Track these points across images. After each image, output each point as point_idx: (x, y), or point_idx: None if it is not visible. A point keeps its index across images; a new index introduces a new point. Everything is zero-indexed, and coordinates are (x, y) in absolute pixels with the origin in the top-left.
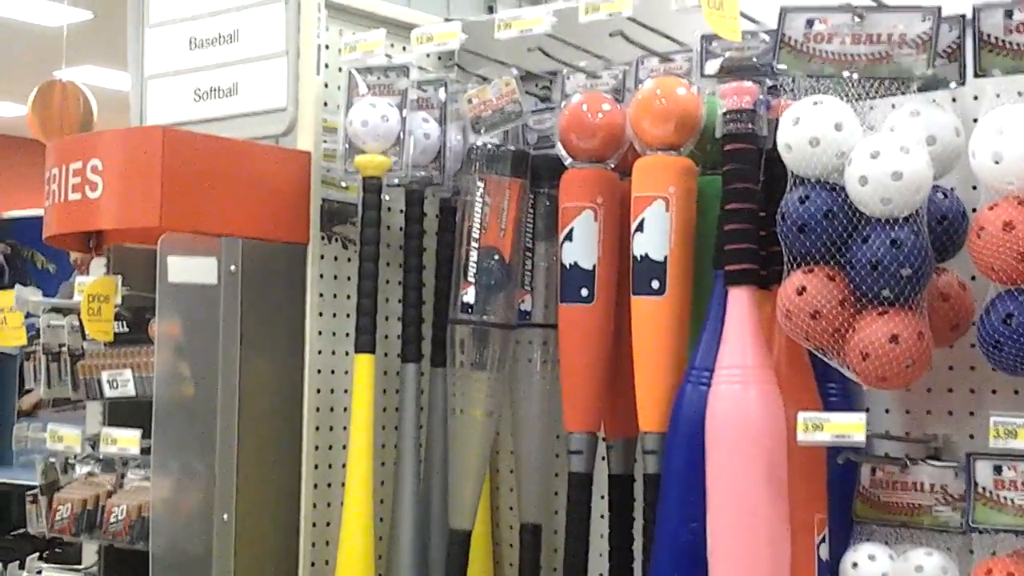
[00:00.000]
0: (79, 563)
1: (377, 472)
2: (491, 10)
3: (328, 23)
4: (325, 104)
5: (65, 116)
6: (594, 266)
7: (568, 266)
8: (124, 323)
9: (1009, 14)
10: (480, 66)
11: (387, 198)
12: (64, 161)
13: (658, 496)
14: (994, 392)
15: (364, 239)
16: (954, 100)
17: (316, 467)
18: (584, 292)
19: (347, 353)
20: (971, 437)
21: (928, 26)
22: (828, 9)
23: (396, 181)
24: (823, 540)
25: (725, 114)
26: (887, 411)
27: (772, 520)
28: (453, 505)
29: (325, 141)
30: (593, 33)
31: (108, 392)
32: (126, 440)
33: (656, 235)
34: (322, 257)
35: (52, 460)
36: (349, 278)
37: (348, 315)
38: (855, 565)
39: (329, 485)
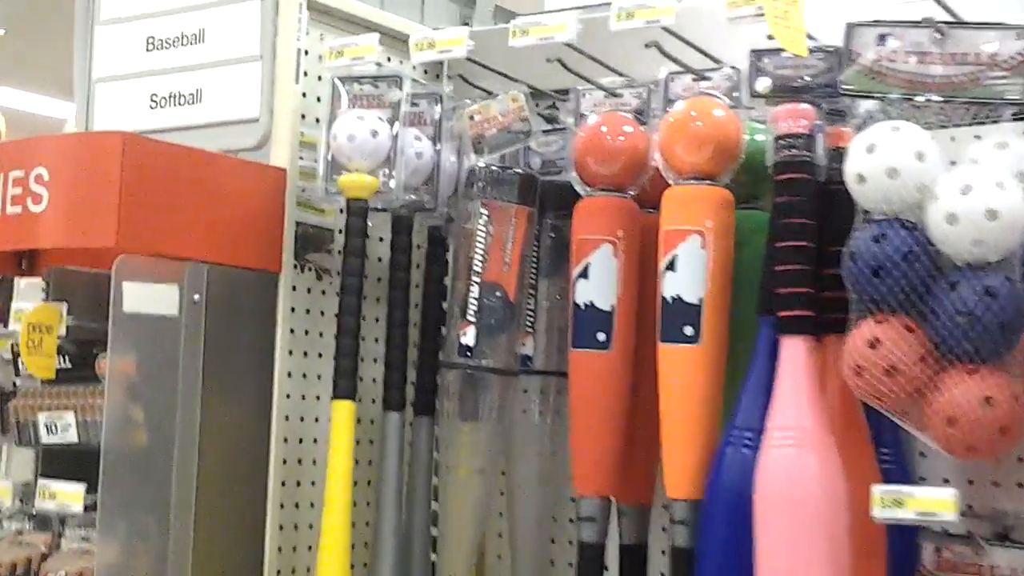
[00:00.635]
0: None
1: (353, 534)
2: (467, 22)
3: (309, 26)
4: (303, 117)
5: None
6: (613, 307)
7: (583, 306)
8: (67, 358)
9: None
10: (477, 80)
11: (371, 224)
12: (2, 169)
13: (690, 574)
14: None
15: (346, 269)
16: None
17: (281, 528)
18: (601, 336)
19: (318, 398)
20: None
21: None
22: (904, 24)
23: (381, 205)
24: None
25: (779, 139)
26: (946, 480)
27: None
28: None
29: (302, 158)
30: (612, 47)
31: (45, 437)
32: (68, 495)
33: (691, 275)
34: (294, 288)
35: None
36: (323, 313)
37: (320, 354)
38: None
39: (295, 549)
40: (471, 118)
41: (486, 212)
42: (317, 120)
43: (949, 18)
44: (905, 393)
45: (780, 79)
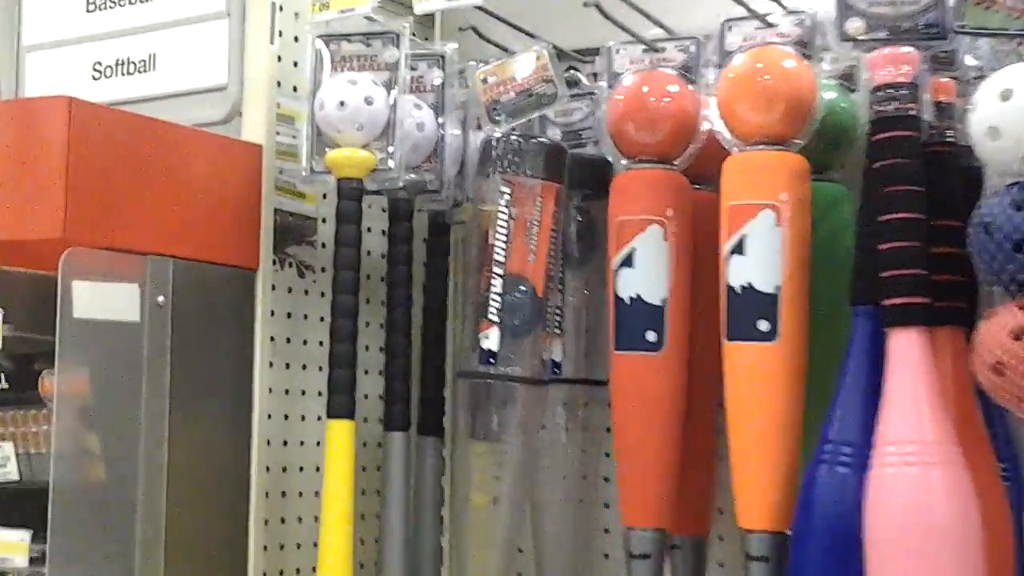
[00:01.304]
0: None
1: None
2: None
3: None
4: (278, 85)
5: None
6: (664, 300)
7: (627, 301)
8: (3, 377)
9: None
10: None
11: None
12: None
13: None
14: None
15: (340, 262)
16: None
17: None
18: (651, 336)
19: (303, 418)
20: None
21: None
22: None
23: (377, 187)
24: None
25: (877, 91)
26: None
27: None
28: None
29: (278, 133)
30: None
31: None
32: (9, 546)
33: (764, 258)
34: (273, 287)
35: None
36: (306, 316)
37: (305, 366)
38: None
39: None
40: (484, 80)
41: (508, 190)
42: (295, 89)
43: None
44: None
45: (875, 18)
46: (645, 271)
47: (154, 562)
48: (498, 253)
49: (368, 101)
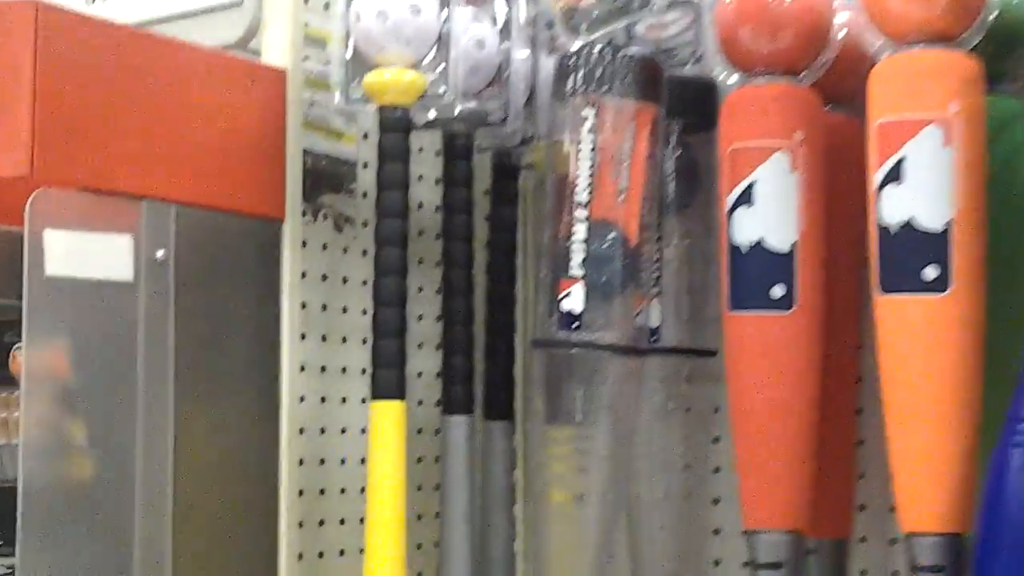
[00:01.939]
0: None
1: None
2: None
3: None
4: (306, 0)
5: None
6: (794, 246)
7: (746, 248)
8: None
9: None
10: None
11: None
12: None
13: None
14: None
15: (385, 208)
16: None
17: None
18: (777, 291)
19: (344, 400)
20: None
21: None
22: None
23: (431, 117)
24: None
25: None
26: None
27: None
28: None
29: (307, 58)
30: None
31: None
32: None
33: (929, 187)
34: (304, 244)
35: None
36: (345, 280)
37: (345, 339)
38: None
39: None
40: None
41: (592, 114)
42: (326, 6)
43: None
44: None
45: None
46: (769, 210)
47: None
48: (580, 194)
49: (415, 10)
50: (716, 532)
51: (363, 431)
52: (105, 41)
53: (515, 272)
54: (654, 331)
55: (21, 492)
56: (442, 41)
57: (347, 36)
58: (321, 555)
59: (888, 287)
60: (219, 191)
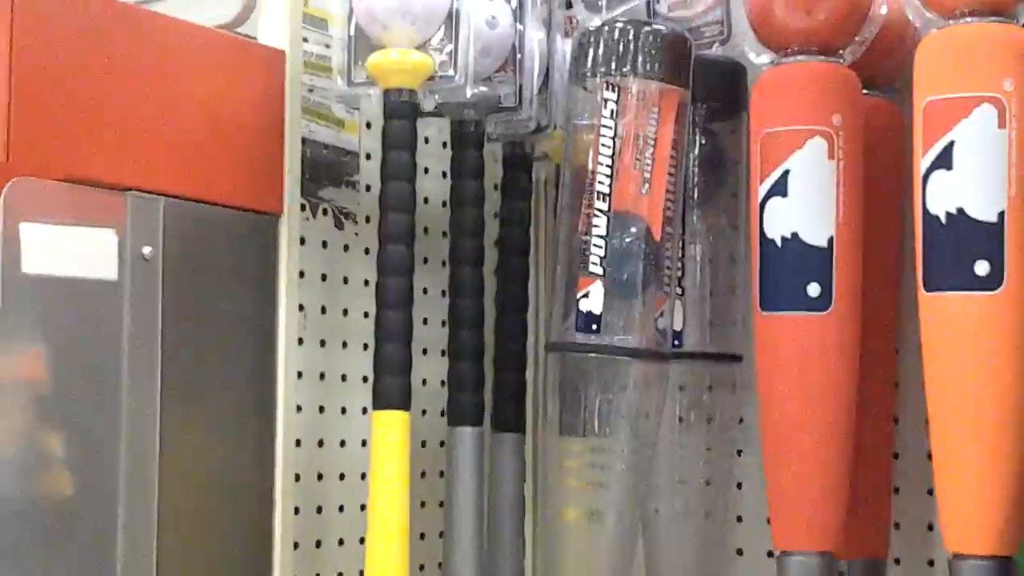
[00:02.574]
0: None
1: None
2: None
3: None
4: None
5: None
6: (831, 240)
7: (780, 242)
8: None
9: None
10: None
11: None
12: None
13: None
14: None
15: (389, 201)
16: None
17: None
18: (813, 290)
19: (344, 410)
20: None
21: None
22: None
23: (438, 101)
24: None
25: None
26: None
27: None
28: None
29: (306, 40)
30: None
31: None
32: None
33: (982, 173)
34: (303, 241)
35: None
36: (346, 280)
37: (345, 344)
38: None
39: None
40: None
41: (614, 96)
42: None
43: None
44: None
45: None
46: (805, 201)
47: None
48: (601, 183)
49: None
50: (739, 552)
51: (364, 443)
52: (88, 17)
53: (527, 272)
54: (676, 334)
55: None
56: (451, 19)
57: (350, 14)
58: None
59: (935, 284)
60: (211, 183)
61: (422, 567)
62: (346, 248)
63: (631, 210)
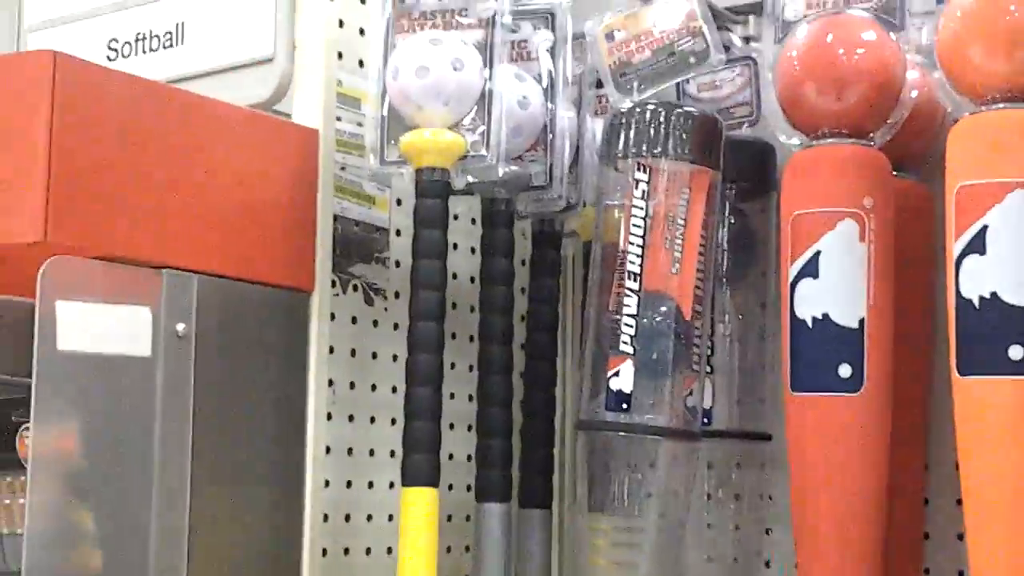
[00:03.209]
0: None
1: None
2: None
3: None
4: (339, 56)
5: None
6: (862, 322)
7: (810, 323)
8: None
9: None
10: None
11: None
12: None
13: None
14: None
15: (420, 279)
16: None
17: None
18: (844, 371)
19: (371, 486)
20: None
21: None
22: None
23: (469, 180)
24: None
25: None
26: None
27: None
28: None
29: (339, 119)
30: None
31: None
32: None
33: (1016, 258)
34: (333, 316)
35: None
36: (375, 355)
37: (373, 419)
38: None
39: None
40: (610, 36)
41: (645, 177)
42: (361, 64)
43: None
44: None
45: None
46: (836, 283)
47: None
48: (632, 263)
49: (456, 66)
50: None
51: (391, 518)
52: (126, 96)
53: (555, 348)
54: (706, 412)
55: None
56: (484, 100)
57: (383, 94)
58: None
59: (969, 368)
60: (244, 260)
61: None
62: (375, 324)
63: (661, 289)
